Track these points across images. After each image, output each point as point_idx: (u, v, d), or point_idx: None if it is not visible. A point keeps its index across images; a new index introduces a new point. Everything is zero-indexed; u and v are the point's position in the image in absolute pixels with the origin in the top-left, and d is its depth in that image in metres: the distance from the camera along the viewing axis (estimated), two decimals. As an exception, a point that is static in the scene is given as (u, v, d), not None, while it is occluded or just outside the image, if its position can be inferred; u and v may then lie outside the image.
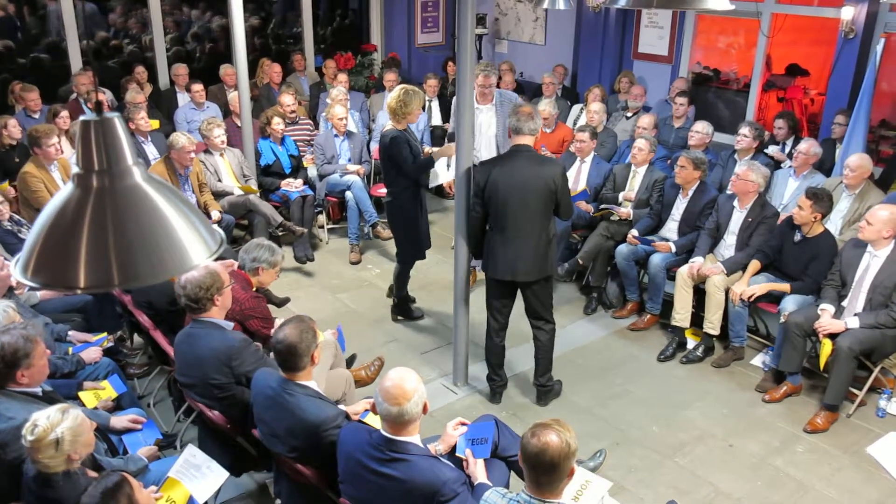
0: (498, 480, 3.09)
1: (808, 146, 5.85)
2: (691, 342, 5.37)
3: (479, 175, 4.33)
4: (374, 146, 7.60)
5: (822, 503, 3.97)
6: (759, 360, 5.25)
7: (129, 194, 1.38)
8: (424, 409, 2.80)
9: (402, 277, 5.75)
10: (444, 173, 5.54)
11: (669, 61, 8.58)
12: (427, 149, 5.78)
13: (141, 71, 8.19)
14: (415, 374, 2.83)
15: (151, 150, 6.70)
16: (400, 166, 5.23)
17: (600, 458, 4.12)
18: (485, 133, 5.95)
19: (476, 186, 4.35)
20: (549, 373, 4.73)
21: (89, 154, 1.38)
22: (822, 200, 4.80)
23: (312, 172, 7.20)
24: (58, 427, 2.67)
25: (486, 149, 5.89)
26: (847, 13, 6.75)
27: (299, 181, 6.90)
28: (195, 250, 1.41)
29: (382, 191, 7.31)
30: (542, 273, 4.44)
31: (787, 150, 6.51)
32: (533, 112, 4.32)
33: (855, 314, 4.56)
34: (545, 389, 4.75)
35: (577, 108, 8.25)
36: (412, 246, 5.55)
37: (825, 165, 6.30)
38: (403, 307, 5.86)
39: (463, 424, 3.25)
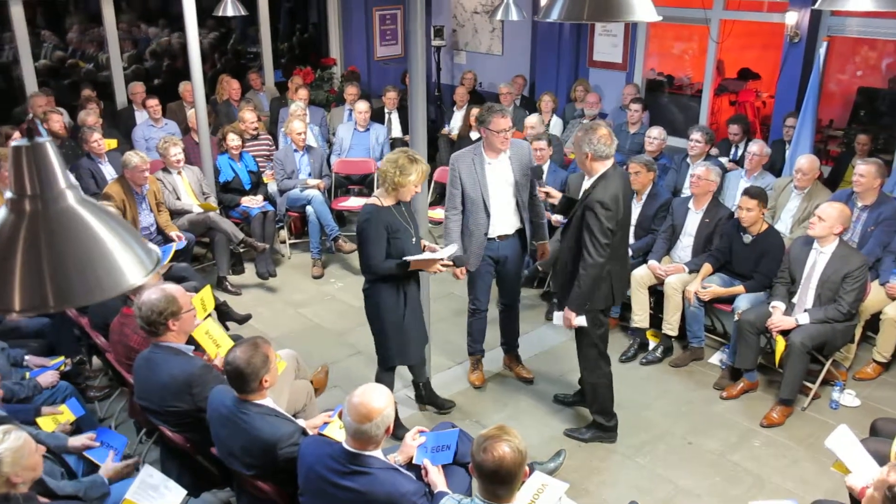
0: (458, 487, 3.12)
1: (759, 148, 6.01)
2: (651, 343, 5.47)
3: (613, 205, 3.87)
4: (334, 160, 7.63)
5: (779, 495, 4.06)
6: (716, 358, 5.35)
7: (63, 217, 1.40)
8: (387, 431, 2.81)
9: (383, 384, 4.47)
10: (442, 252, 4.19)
11: (624, 68, 8.71)
12: (424, 243, 4.29)
13: (88, 93, 7.97)
14: (386, 397, 2.80)
15: (109, 171, 6.60)
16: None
17: (560, 459, 4.17)
18: (501, 193, 4.49)
19: (613, 222, 3.90)
20: None
21: (21, 179, 1.40)
22: (763, 196, 5.03)
23: (272, 188, 7.18)
24: None
25: (499, 214, 4.53)
26: (791, 18, 6.94)
27: (259, 197, 6.89)
28: (131, 270, 1.43)
29: (343, 204, 7.36)
30: None
31: (740, 153, 6.66)
32: (607, 134, 3.93)
33: (805, 310, 4.69)
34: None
35: (534, 116, 8.32)
36: (395, 347, 4.24)
37: (776, 166, 6.48)
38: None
39: (422, 433, 3.28)
